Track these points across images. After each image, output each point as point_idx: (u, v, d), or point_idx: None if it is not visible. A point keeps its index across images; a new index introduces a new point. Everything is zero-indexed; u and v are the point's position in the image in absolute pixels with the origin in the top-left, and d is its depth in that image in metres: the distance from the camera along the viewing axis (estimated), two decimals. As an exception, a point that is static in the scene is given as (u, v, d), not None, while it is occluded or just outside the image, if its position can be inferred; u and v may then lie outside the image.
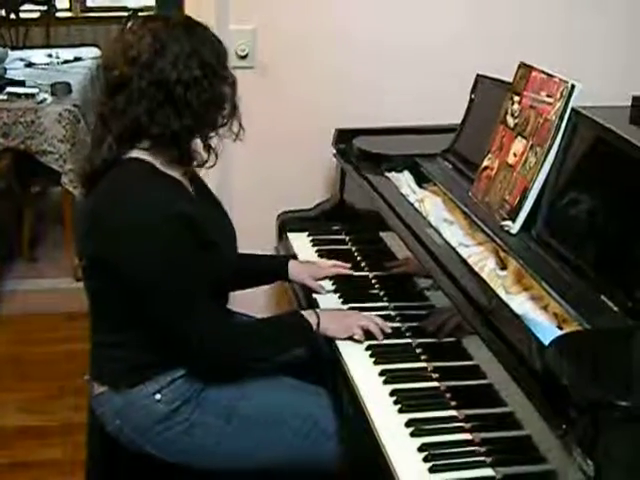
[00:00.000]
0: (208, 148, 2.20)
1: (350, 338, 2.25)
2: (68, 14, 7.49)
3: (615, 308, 1.76)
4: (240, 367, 2.25)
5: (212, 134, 2.21)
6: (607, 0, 3.28)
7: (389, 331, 2.27)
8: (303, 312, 2.28)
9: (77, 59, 5.64)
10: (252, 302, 2.85)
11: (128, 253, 2.05)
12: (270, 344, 2.25)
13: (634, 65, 3.31)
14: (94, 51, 5.89)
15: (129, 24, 2.15)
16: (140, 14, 6.17)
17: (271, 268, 2.65)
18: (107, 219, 2.08)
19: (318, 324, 2.23)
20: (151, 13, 5.81)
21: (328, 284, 2.60)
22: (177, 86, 2.05)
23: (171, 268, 2.06)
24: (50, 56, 5.63)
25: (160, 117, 2.07)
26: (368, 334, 2.25)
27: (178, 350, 2.14)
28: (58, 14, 7.41)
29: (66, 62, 5.55)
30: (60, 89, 4.77)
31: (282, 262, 2.64)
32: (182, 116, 2.07)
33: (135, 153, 2.12)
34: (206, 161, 2.23)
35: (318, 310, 2.31)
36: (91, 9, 7.57)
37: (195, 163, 2.25)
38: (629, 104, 2.83)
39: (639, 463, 1.46)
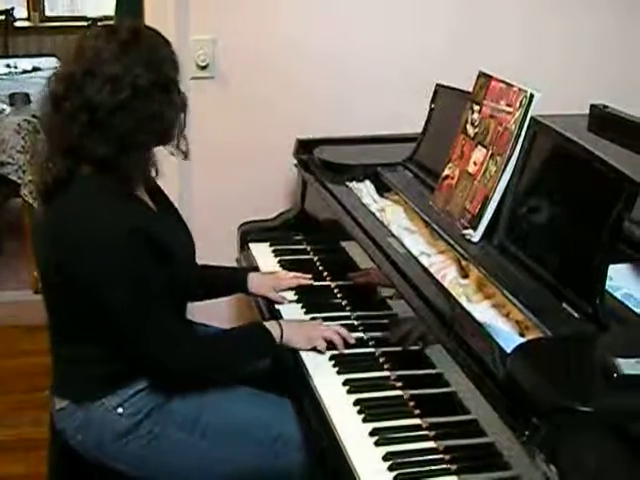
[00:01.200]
0: (151, 165, 2.19)
1: (314, 349, 2.25)
2: (27, 23, 7.44)
3: (576, 315, 1.77)
4: (202, 381, 2.23)
5: (149, 155, 2.18)
6: (567, 5, 3.33)
7: (353, 341, 2.28)
8: (266, 323, 2.27)
9: (36, 69, 5.61)
10: (214, 312, 2.83)
11: (85, 268, 2.03)
12: (232, 357, 2.23)
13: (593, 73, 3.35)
14: (53, 61, 5.85)
15: (79, 36, 2.12)
16: (99, 24, 6.18)
17: (230, 281, 2.64)
18: (64, 235, 2.06)
19: (281, 335, 2.22)
20: (110, 23, 5.82)
21: (290, 294, 2.59)
22: (101, 111, 2.00)
23: (128, 283, 2.03)
24: (8, 66, 5.59)
25: (88, 142, 2.02)
26: (331, 345, 2.25)
27: (138, 365, 2.13)
28: (17, 23, 7.36)
29: (25, 72, 5.53)
30: (19, 99, 4.74)
31: (241, 275, 2.63)
32: (108, 142, 2.02)
33: (86, 169, 2.08)
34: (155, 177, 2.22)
35: (281, 321, 2.30)
36: (50, 18, 7.52)
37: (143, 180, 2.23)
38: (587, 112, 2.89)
39: (601, 468, 1.47)
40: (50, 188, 2.10)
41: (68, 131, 2.03)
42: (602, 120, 2.81)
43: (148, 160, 2.20)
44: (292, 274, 2.66)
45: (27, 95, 4.80)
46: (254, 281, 2.60)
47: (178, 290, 2.22)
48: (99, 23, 6.20)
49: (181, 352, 2.13)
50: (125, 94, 2.00)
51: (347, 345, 2.27)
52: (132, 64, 2.02)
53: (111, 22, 5.63)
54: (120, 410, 2.13)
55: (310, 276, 2.65)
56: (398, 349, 2.16)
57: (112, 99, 1.99)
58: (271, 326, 2.24)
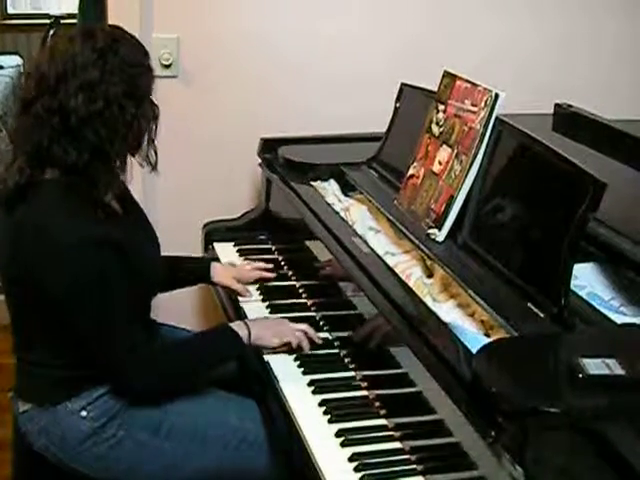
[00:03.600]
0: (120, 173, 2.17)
1: (282, 347, 2.24)
2: (-13, 21, 7.36)
3: (541, 314, 1.77)
4: (172, 391, 2.20)
5: (117, 164, 2.13)
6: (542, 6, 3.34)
7: (319, 342, 2.27)
8: (232, 324, 2.25)
9: (-2, 67, 5.56)
10: (178, 311, 2.82)
11: (49, 278, 2.00)
12: (201, 364, 2.20)
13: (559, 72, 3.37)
14: (16, 59, 5.81)
15: (52, 37, 2.10)
16: (62, 22, 6.12)
17: (194, 270, 2.63)
18: (28, 243, 2.02)
19: (249, 335, 2.20)
20: (73, 21, 5.77)
21: (255, 294, 2.59)
22: (73, 117, 1.97)
23: (92, 294, 2.01)
24: (-29, 65, 5.54)
25: (58, 146, 2.00)
26: (298, 346, 2.25)
27: (103, 377, 2.11)
28: (-22, 22, 7.29)
29: (-14, 71, 5.47)
30: (-20, 99, 4.70)
31: (205, 264, 2.63)
32: (80, 149, 2.00)
33: (51, 173, 2.05)
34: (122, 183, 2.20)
35: (247, 320, 2.29)
36: (12, 16, 7.43)
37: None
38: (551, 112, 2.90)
39: (567, 468, 1.47)
40: (11, 194, 2.06)
41: (37, 133, 2.01)
42: (566, 119, 2.82)
43: (116, 169, 2.16)
44: (254, 264, 2.67)
45: (-11, 93, 4.77)
46: (217, 271, 2.60)
47: (143, 294, 2.22)
48: (62, 21, 6.17)
49: (147, 366, 2.10)
50: (99, 103, 1.98)
51: (313, 345, 2.26)
52: (108, 72, 1.99)
53: (74, 20, 5.64)
54: (84, 413, 2.11)
55: (272, 266, 2.66)
56: (363, 349, 2.16)
57: (85, 107, 1.97)
58: (238, 327, 2.22)
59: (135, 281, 2.10)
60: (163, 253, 2.36)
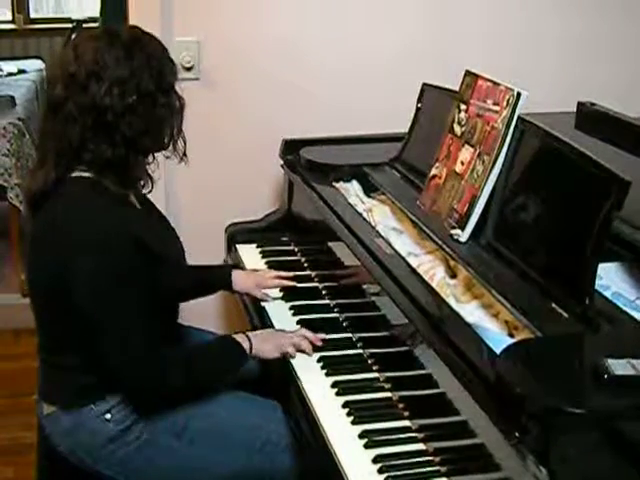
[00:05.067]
0: (146, 173, 2.20)
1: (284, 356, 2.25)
2: (11, 26, 7.39)
3: (565, 314, 1.76)
4: (176, 400, 2.19)
5: (151, 160, 2.20)
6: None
7: (320, 343, 2.27)
8: (235, 336, 2.25)
9: (21, 72, 5.58)
10: (201, 313, 2.82)
11: (73, 272, 2.01)
12: (203, 374, 2.19)
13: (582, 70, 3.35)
14: (38, 63, 5.84)
15: (74, 37, 2.12)
16: (84, 26, 6.15)
17: (214, 278, 2.64)
18: (56, 237, 2.04)
19: (251, 347, 2.21)
20: (95, 25, 5.80)
21: (278, 296, 2.59)
22: (109, 113, 2.01)
23: (117, 287, 2.02)
24: (-6, 69, 5.57)
25: (92, 143, 2.03)
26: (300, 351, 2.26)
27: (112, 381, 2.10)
28: (1, 26, 7.32)
29: (10, 75, 5.50)
30: (4, 103, 4.72)
31: (225, 272, 2.63)
32: (115, 144, 2.03)
33: (78, 172, 2.08)
34: (144, 185, 2.25)
35: (249, 334, 2.27)
36: (34, 20, 7.47)
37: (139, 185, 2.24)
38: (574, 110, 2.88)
39: (592, 469, 1.46)
40: (38, 194, 2.09)
41: (69, 132, 2.03)
42: (589, 118, 2.80)
43: (146, 164, 2.19)
44: (275, 273, 2.66)
45: (12, 98, 4.79)
46: (238, 279, 2.60)
47: (168, 295, 2.22)
48: (84, 25, 6.20)
49: (152, 375, 2.09)
50: (132, 98, 2.02)
51: (315, 348, 2.26)
52: (137, 68, 2.04)
53: (96, 24, 5.67)
54: (108, 416, 2.12)
55: (292, 275, 2.65)
56: (387, 350, 2.15)
57: (120, 102, 2.01)
58: (241, 339, 2.23)
59: (160, 278, 2.12)
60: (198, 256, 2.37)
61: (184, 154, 2.21)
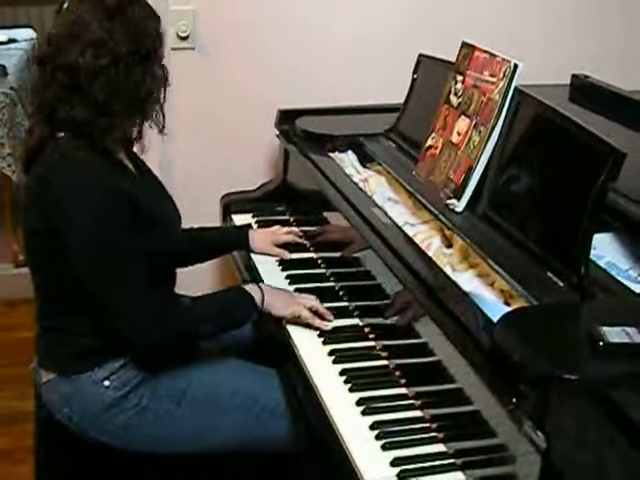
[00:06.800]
0: (137, 136, 2.20)
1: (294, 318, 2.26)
2: (0, -5, 7.33)
3: (561, 283, 1.78)
4: (185, 348, 2.23)
5: (125, 126, 2.16)
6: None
7: (331, 318, 2.27)
8: (247, 286, 2.26)
9: (12, 41, 5.53)
10: (195, 283, 2.83)
11: (63, 226, 2.02)
12: (213, 321, 2.20)
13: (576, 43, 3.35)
14: (29, 32, 5.79)
15: (66, 3, 2.12)
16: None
17: (233, 239, 2.69)
18: (46, 193, 2.05)
19: (262, 300, 2.22)
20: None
21: (274, 265, 2.61)
22: (82, 74, 2.01)
23: (106, 241, 2.03)
24: (-17, 39, 5.52)
25: (66, 103, 2.04)
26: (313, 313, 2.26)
27: (120, 336, 2.09)
28: (-11, -4, 7.26)
29: (0, 44, 5.45)
30: (-5, 72, 4.69)
31: (243, 232, 2.68)
32: (86, 106, 2.03)
33: (62, 136, 2.09)
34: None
35: (262, 285, 2.29)
36: (24, -11, 7.40)
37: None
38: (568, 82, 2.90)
39: (587, 434, 1.49)
40: (30, 155, 2.12)
41: (47, 91, 2.05)
42: (583, 90, 2.82)
43: (124, 130, 2.17)
44: (286, 229, 2.72)
45: (3, 67, 4.75)
46: (255, 238, 2.66)
47: (163, 257, 2.23)
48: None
49: (161, 322, 2.11)
50: (105, 60, 2.02)
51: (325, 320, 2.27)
52: (114, 32, 2.03)
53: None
54: (107, 383, 2.13)
55: (305, 236, 2.70)
56: (383, 319, 2.17)
57: (93, 64, 2.01)
58: (252, 290, 2.24)
59: (151, 238, 2.13)
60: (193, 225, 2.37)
61: (163, 126, 2.20)
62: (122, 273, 2.06)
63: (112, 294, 2.05)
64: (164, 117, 2.19)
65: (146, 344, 2.11)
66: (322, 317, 2.25)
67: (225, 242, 2.69)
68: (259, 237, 2.66)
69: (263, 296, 2.22)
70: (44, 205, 2.07)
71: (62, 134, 2.08)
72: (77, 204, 2.02)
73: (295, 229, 2.73)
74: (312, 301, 2.27)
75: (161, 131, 2.22)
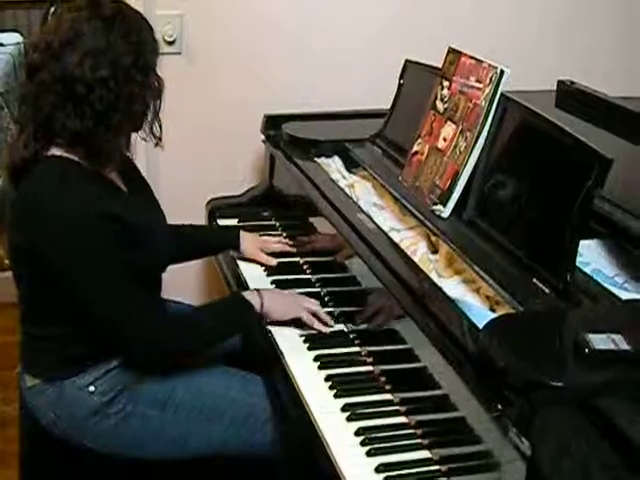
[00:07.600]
0: (123, 148, 2.18)
1: (286, 323, 2.25)
2: (-14, -2, 7.31)
3: (547, 290, 1.78)
4: (182, 357, 2.23)
5: (121, 137, 2.14)
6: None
7: (332, 323, 2.28)
8: (245, 293, 2.26)
9: (-2, 45, 5.52)
10: (180, 287, 2.82)
11: (53, 252, 2.00)
12: (212, 332, 2.20)
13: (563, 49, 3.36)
14: (16, 37, 5.77)
15: (52, 12, 2.10)
16: (62, -1, 6.09)
17: (223, 238, 2.70)
18: (31, 218, 2.02)
19: (261, 305, 2.22)
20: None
21: (259, 270, 2.60)
22: (79, 85, 1.97)
23: (96, 267, 2.01)
24: (-31, 42, 5.50)
25: (62, 114, 2.00)
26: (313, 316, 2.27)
27: (112, 345, 2.11)
28: (-24, -1, 7.24)
29: (-14, 48, 5.43)
30: (-19, 76, 4.68)
31: (234, 233, 2.68)
32: (84, 117, 2.00)
33: (55, 150, 2.06)
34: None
35: (261, 290, 2.28)
36: (11, -7, 7.38)
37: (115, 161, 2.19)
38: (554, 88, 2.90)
39: (573, 441, 1.49)
40: (18, 167, 2.08)
41: (41, 101, 2.01)
42: (569, 96, 2.82)
43: (120, 142, 2.16)
44: (277, 239, 2.73)
45: (-10, 71, 4.75)
46: (245, 239, 2.66)
47: (151, 273, 2.22)
48: (62, -2, 6.13)
49: (157, 333, 2.10)
50: (105, 71, 1.98)
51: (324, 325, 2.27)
52: (114, 42, 2.00)
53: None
54: (92, 388, 2.12)
55: (292, 243, 2.71)
56: (368, 325, 2.17)
57: (92, 74, 1.97)
58: (251, 295, 2.23)
59: (139, 255, 2.11)
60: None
61: (159, 138, 2.18)
62: (117, 289, 2.05)
63: (108, 313, 2.05)
64: (161, 128, 2.17)
65: (146, 361, 2.15)
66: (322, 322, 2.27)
67: (216, 241, 2.70)
68: (249, 240, 2.66)
69: (262, 302, 2.22)
70: (30, 228, 2.04)
71: (55, 152, 2.05)
72: (66, 234, 1.99)
73: (284, 240, 2.74)
74: (314, 306, 2.28)
75: (157, 143, 2.19)
